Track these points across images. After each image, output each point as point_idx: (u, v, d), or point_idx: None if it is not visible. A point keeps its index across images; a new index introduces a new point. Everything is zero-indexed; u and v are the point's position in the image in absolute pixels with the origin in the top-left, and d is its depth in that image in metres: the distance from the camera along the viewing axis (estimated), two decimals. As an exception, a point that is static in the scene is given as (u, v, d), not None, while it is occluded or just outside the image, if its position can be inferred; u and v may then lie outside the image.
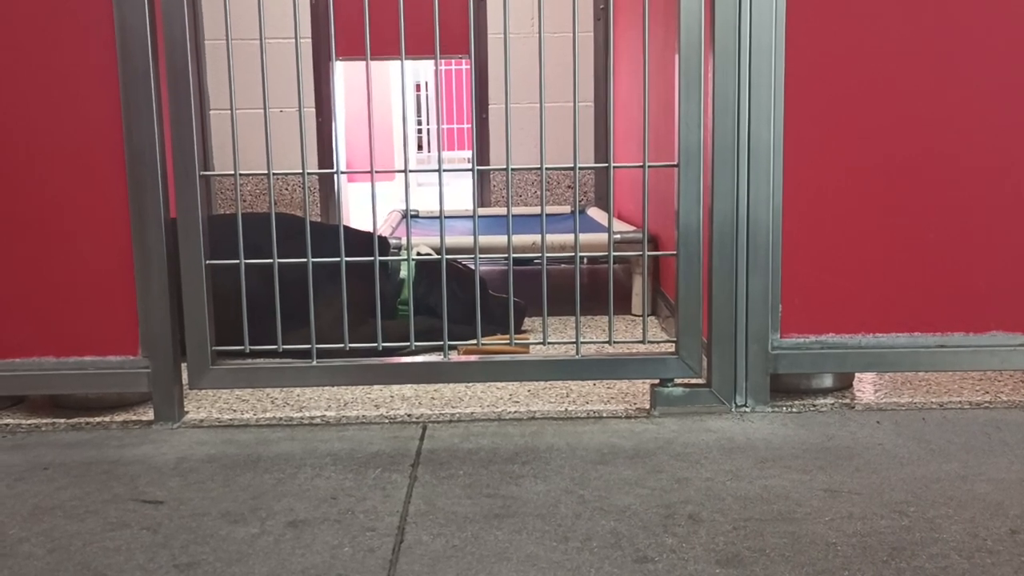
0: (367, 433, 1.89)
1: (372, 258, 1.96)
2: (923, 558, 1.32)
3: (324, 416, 1.99)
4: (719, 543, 1.38)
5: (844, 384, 2.10)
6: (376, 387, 2.17)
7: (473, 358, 2.05)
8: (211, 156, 4.31)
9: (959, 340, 1.98)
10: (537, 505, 1.52)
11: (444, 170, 1.97)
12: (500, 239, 2.77)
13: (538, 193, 4.54)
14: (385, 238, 2.89)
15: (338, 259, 1.95)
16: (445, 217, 2.02)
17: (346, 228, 2.02)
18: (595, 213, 4.00)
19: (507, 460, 1.72)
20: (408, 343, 2.00)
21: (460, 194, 6.88)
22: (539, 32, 1.88)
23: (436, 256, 2.25)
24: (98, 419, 1.98)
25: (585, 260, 3.93)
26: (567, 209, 4.32)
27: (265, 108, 1.90)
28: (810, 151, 1.93)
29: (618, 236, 2.92)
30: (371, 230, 2.03)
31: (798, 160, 1.93)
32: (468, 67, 4.51)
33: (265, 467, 1.71)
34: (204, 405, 2.07)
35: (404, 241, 2.76)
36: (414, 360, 2.03)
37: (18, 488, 1.64)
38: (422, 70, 12.73)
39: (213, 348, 1.94)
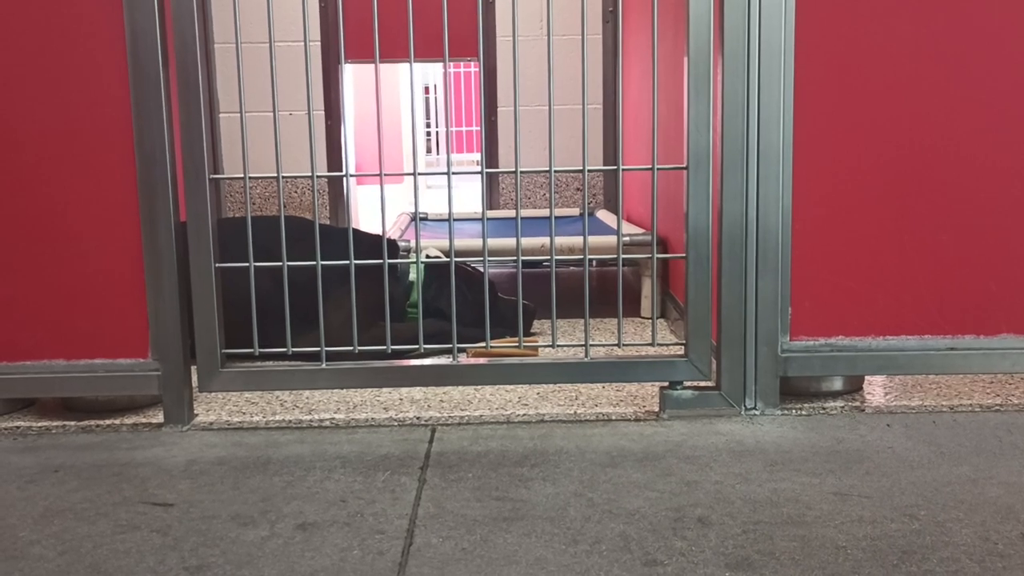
0: (376, 436, 1.90)
1: (381, 261, 1.96)
2: (933, 562, 1.32)
3: (333, 419, 1.99)
4: (728, 546, 1.37)
5: (854, 387, 2.09)
6: (385, 390, 2.18)
7: (482, 361, 2.05)
8: (221, 159, 4.33)
9: (970, 343, 1.97)
10: (546, 508, 1.52)
11: (453, 173, 1.97)
12: (509, 241, 2.78)
13: (547, 195, 4.54)
14: (394, 241, 2.90)
15: (347, 262, 1.95)
16: (454, 220, 2.02)
17: (355, 231, 2.02)
18: (604, 215, 4.00)
19: (516, 463, 1.72)
20: (417, 346, 2.01)
21: (469, 196, 6.89)
22: (548, 35, 1.88)
23: (445, 259, 2.25)
24: (108, 421, 1.99)
25: (594, 263, 3.93)
26: (576, 211, 4.32)
27: (274, 111, 1.91)
28: (820, 153, 1.92)
29: (627, 238, 2.92)
30: (380, 233, 2.04)
31: (808, 162, 1.92)
32: (477, 70, 4.52)
33: (274, 470, 1.72)
34: (214, 408, 2.07)
35: (413, 243, 2.77)
36: (423, 363, 2.03)
37: (29, 490, 1.65)
38: (431, 73, 12.74)
39: (223, 351, 1.94)
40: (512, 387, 2.17)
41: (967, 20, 1.89)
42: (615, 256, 2.00)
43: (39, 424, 1.99)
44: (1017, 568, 1.30)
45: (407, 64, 1.96)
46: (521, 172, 1.95)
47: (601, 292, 3.50)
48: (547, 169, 1.95)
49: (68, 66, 1.88)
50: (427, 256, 2.71)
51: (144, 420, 1.99)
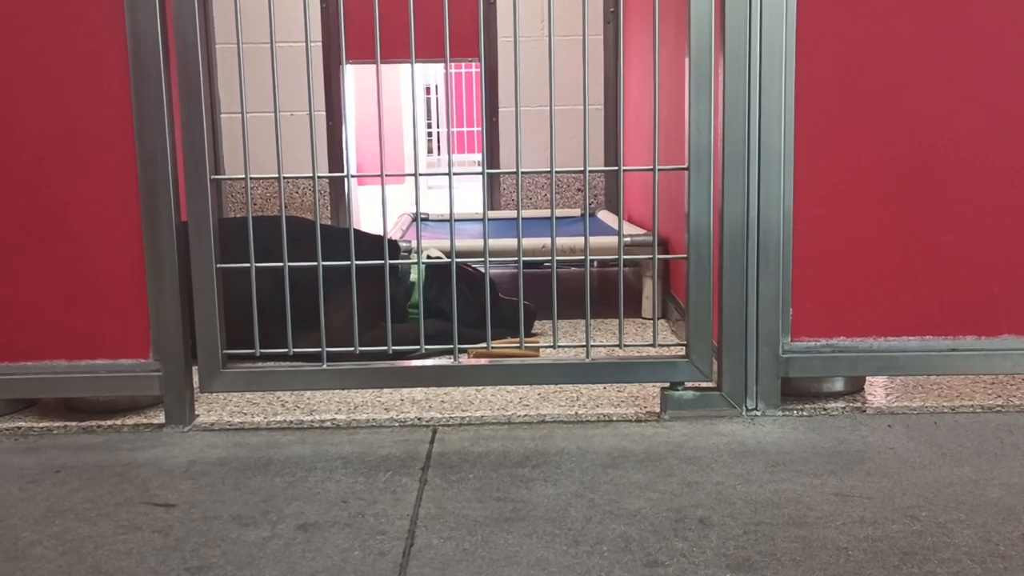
0: (377, 436, 1.90)
1: (382, 261, 1.96)
2: (935, 563, 1.32)
3: (334, 419, 1.99)
4: (730, 547, 1.37)
5: (855, 388, 2.09)
6: (386, 390, 2.18)
7: (483, 361, 2.05)
8: (222, 160, 4.33)
9: (971, 343, 1.97)
10: (547, 509, 1.52)
11: (454, 173, 1.97)
12: (510, 242, 2.77)
13: (548, 196, 4.54)
14: (395, 241, 2.90)
15: (348, 262, 1.95)
16: (455, 220, 2.02)
17: (356, 231, 2.02)
18: (605, 216, 4.00)
19: (517, 464, 1.72)
20: (418, 346, 2.01)
21: (470, 197, 6.89)
22: (549, 35, 1.88)
23: (446, 259, 2.25)
24: (110, 422, 1.99)
25: (595, 263, 3.93)
26: (577, 212, 4.32)
27: (276, 112, 1.91)
28: (821, 153, 1.92)
29: (628, 239, 2.92)
30: (381, 233, 2.04)
31: (809, 162, 1.92)
32: (478, 70, 4.52)
33: (276, 470, 1.72)
34: (215, 408, 2.07)
35: (414, 244, 2.77)
36: (424, 363, 2.03)
37: (31, 491, 1.65)
38: (432, 73, 12.74)
39: (224, 351, 1.94)
40: (513, 388, 2.17)
41: (967, 20, 1.89)
42: (616, 257, 2.00)
43: (40, 425, 1.99)
44: (1019, 569, 1.30)
45: (408, 64, 1.95)
46: (522, 173, 1.95)
47: (602, 293, 3.50)
48: (548, 170, 1.95)
49: (68, 66, 1.88)
50: (428, 257, 2.71)
51: (145, 421, 1.99)
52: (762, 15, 1.87)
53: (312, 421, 1.99)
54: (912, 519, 1.46)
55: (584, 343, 1.97)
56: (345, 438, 1.89)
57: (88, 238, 1.93)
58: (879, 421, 1.92)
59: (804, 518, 1.47)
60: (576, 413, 2.00)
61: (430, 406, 2.06)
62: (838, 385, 2.07)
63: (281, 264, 1.95)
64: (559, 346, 2.02)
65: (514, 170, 1.95)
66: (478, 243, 2.11)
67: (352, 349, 1.98)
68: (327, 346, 1.96)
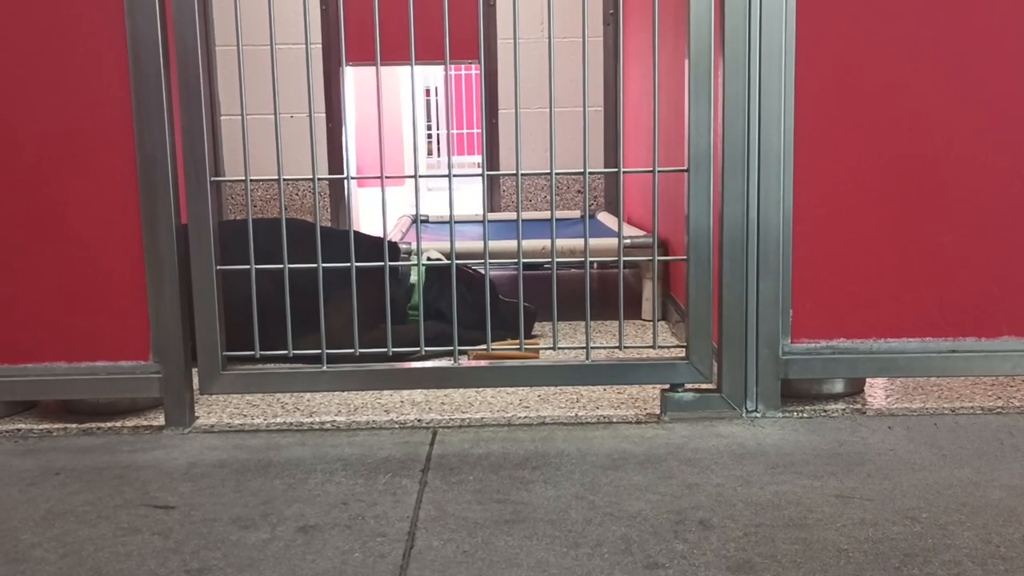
0: (377, 438, 1.90)
1: (382, 263, 1.96)
2: (936, 564, 1.31)
3: (334, 421, 1.99)
4: (730, 549, 1.37)
5: (855, 389, 2.09)
6: (386, 392, 2.18)
7: (483, 363, 2.04)
8: (222, 161, 4.33)
9: (971, 345, 1.97)
10: (547, 511, 1.52)
11: (454, 175, 1.97)
12: (510, 244, 2.77)
13: (547, 198, 4.54)
14: (395, 243, 2.90)
15: (348, 264, 1.95)
16: (455, 222, 2.02)
17: (356, 233, 2.02)
18: (605, 218, 4.00)
19: (517, 465, 1.72)
20: (418, 348, 2.01)
21: (470, 199, 6.89)
22: (549, 37, 1.88)
23: (446, 261, 2.25)
24: (109, 424, 1.99)
25: (595, 265, 3.93)
26: (577, 214, 4.32)
27: (276, 113, 1.91)
28: (821, 154, 1.92)
29: (628, 241, 2.92)
30: (381, 235, 2.04)
31: (809, 163, 1.92)
32: (478, 72, 4.52)
33: (276, 472, 1.72)
34: (215, 410, 2.07)
35: (414, 246, 2.77)
36: (424, 365, 2.03)
37: (31, 493, 1.65)
38: (432, 75, 12.75)
39: (224, 353, 1.94)
40: (513, 389, 2.17)
41: (967, 20, 1.89)
42: (616, 258, 2.00)
43: (40, 427, 1.99)
44: (1019, 571, 1.29)
45: (408, 66, 1.96)
46: (522, 174, 1.95)
47: (602, 294, 3.49)
48: (548, 171, 1.95)
49: (68, 66, 1.88)
50: (428, 258, 2.71)
51: (145, 423, 1.99)
52: (762, 16, 1.87)
53: (312, 423, 1.99)
54: (913, 521, 1.46)
55: (584, 345, 1.97)
56: (345, 440, 1.89)
57: (88, 239, 1.93)
58: (879, 423, 1.92)
59: (804, 520, 1.47)
60: (576, 415, 2.00)
61: (430, 408, 2.06)
62: (838, 387, 2.07)
63: (281, 266, 1.95)
64: (559, 348, 2.02)
65: (514, 172, 1.95)
66: (478, 245, 2.11)
67: (352, 351, 1.98)
68: (327, 348, 1.96)
